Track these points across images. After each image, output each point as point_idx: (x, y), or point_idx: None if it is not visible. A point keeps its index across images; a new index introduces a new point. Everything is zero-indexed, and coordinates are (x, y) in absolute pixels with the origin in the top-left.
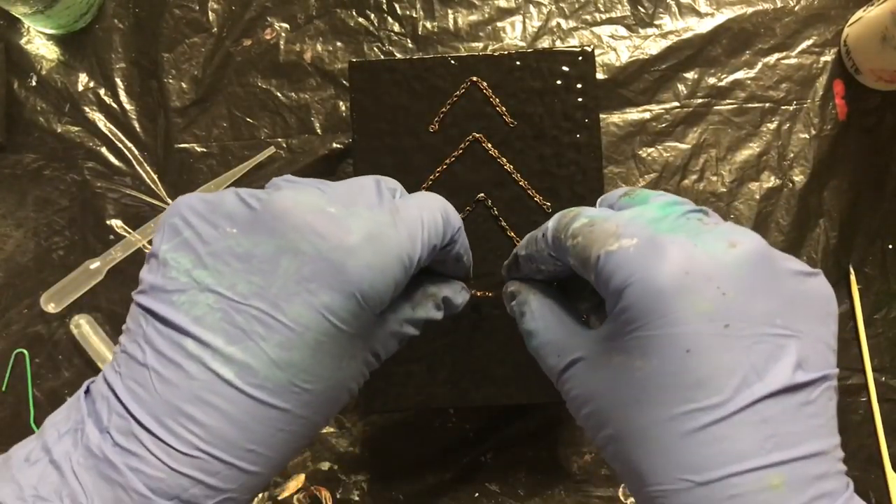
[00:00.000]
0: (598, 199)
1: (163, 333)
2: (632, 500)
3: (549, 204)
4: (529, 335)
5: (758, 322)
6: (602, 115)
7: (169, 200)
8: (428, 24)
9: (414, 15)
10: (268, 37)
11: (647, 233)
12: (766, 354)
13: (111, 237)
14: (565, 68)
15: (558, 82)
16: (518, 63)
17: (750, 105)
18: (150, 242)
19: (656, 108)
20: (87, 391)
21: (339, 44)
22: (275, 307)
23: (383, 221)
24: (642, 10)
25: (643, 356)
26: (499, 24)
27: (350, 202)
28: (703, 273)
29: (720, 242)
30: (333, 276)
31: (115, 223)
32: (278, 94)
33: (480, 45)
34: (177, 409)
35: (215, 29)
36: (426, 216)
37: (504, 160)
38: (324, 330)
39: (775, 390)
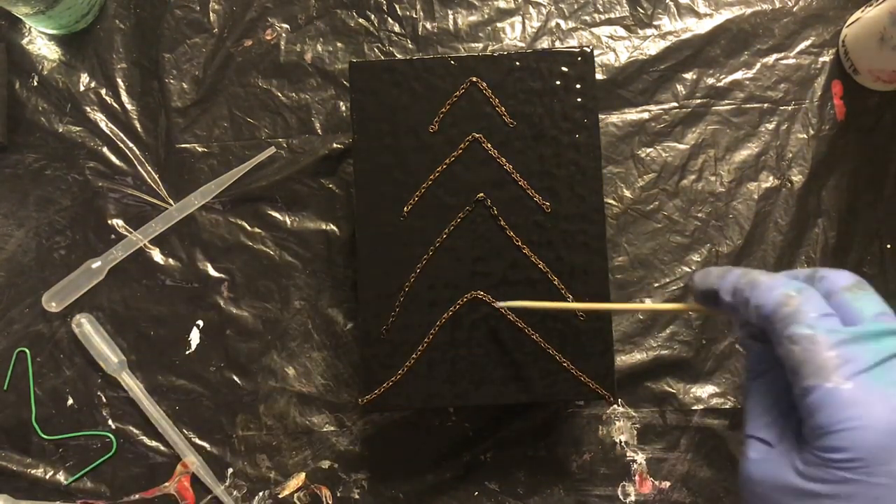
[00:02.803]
0: (820, 275)
1: None
2: (631, 499)
3: (548, 204)
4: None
5: None
6: (601, 116)
7: (170, 200)
8: (428, 25)
9: (414, 15)
10: (268, 37)
11: (863, 382)
12: None
13: (112, 237)
14: (564, 69)
15: (557, 83)
16: (517, 63)
17: (748, 105)
18: (151, 242)
19: (655, 109)
20: None
21: (339, 44)
22: None
23: None
24: (641, 10)
25: (833, 485)
26: (498, 24)
27: None
28: None
29: None
30: None
31: (117, 223)
32: (279, 95)
33: (480, 45)
34: None
35: (216, 29)
36: None
37: (504, 160)
38: None
39: None
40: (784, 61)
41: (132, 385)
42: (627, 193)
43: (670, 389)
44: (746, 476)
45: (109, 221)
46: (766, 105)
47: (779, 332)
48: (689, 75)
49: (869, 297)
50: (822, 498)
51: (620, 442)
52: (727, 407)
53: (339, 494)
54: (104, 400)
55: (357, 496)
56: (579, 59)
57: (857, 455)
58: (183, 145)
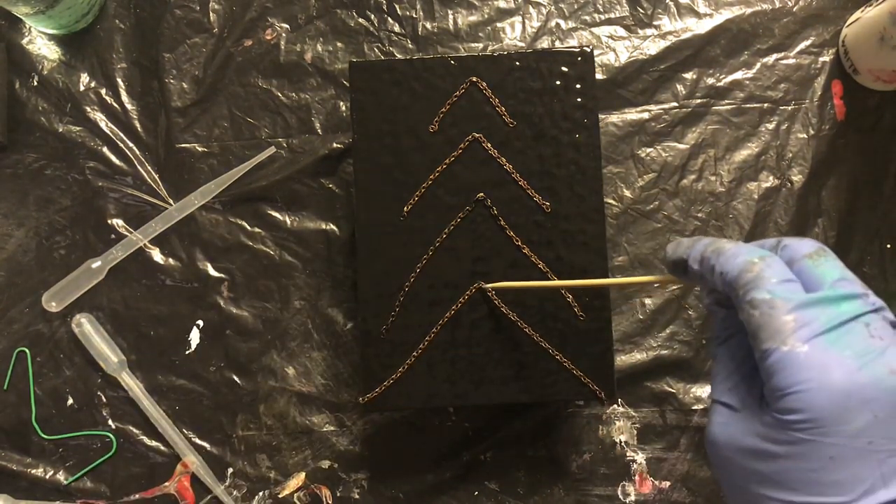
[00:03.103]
0: (783, 243)
1: None
2: (631, 499)
3: (548, 204)
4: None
5: None
6: (601, 116)
7: (170, 200)
8: (428, 25)
9: (414, 15)
10: (268, 37)
11: (819, 345)
12: (895, 467)
13: (112, 236)
14: (564, 69)
15: (557, 83)
16: (517, 63)
17: (748, 105)
18: (151, 242)
19: (655, 109)
20: None
21: (339, 44)
22: None
23: None
24: (641, 10)
25: (790, 445)
26: (498, 24)
27: None
28: (863, 398)
29: (883, 369)
30: None
31: (117, 222)
32: (279, 94)
33: (480, 45)
34: None
35: (216, 29)
36: None
37: (504, 160)
38: None
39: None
40: (784, 61)
41: (132, 385)
42: (627, 193)
43: (670, 389)
44: (712, 439)
45: (109, 221)
46: (766, 105)
47: (741, 298)
48: (689, 75)
49: (830, 263)
50: (780, 458)
51: (620, 442)
52: None
53: (339, 494)
54: (104, 400)
55: (357, 496)
56: (579, 59)
57: (812, 416)
58: (183, 145)
